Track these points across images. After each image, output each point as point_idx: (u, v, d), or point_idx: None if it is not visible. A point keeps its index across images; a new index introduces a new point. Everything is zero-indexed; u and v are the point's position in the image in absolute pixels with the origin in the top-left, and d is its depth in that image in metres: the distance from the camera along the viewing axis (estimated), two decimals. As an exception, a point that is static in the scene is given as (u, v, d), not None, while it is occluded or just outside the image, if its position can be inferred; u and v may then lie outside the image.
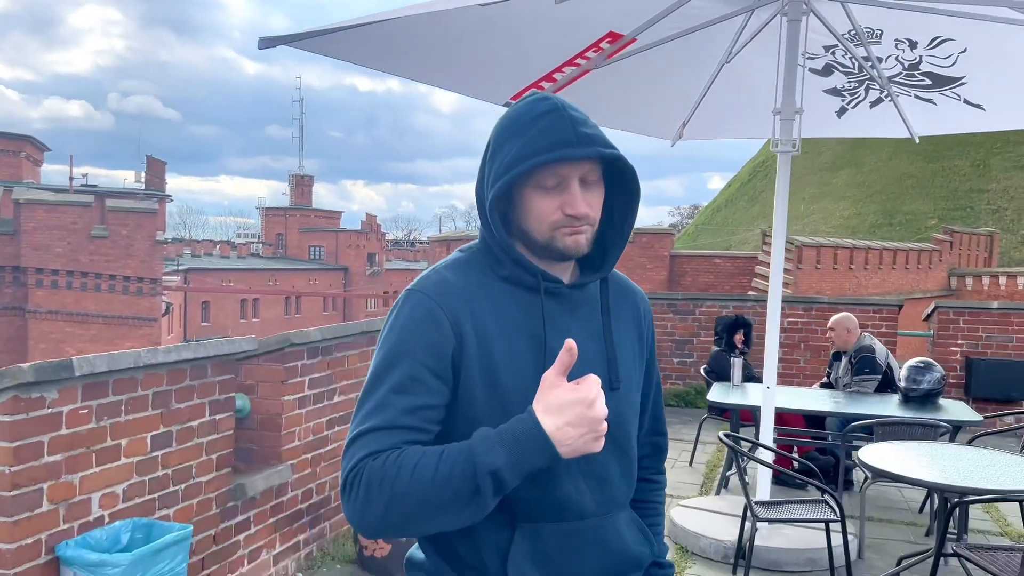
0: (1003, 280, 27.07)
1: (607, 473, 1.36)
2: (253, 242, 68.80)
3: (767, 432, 4.34)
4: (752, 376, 6.30)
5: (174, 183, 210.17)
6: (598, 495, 1.35)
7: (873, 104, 4.62)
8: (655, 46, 4.13)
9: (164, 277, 35.02)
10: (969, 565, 3.45)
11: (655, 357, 1.56)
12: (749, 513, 3.95)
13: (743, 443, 4.62)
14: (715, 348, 6.99)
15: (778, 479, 5.05)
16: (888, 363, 6.07)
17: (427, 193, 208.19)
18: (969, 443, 4.59)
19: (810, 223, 43.40)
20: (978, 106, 4.29)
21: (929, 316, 8.91)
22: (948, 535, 3.63)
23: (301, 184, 67.88)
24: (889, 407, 5.27)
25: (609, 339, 1.39)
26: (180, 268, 49.52)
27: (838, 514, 3.87)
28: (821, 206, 45.59)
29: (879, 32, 4.08)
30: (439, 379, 1.28)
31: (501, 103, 4.50)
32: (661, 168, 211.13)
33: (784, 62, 3.72)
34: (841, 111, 4.76)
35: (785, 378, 8.21)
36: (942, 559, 3.49)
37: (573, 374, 1.24)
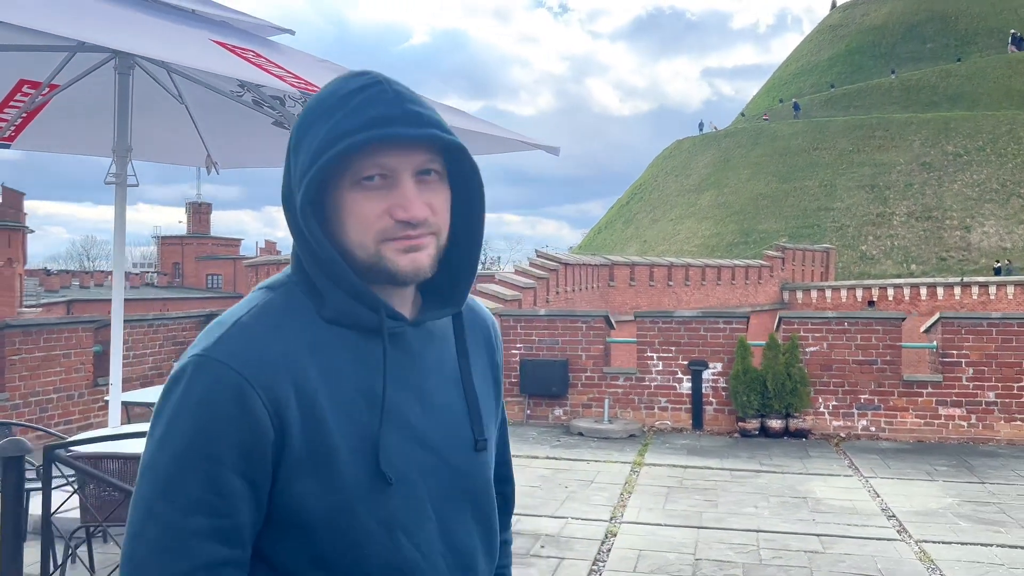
0: (829, 293, 28.79)
1: (474, 563, 1.07)
2: (148, 272, 67.74)
3: (114, 421, 4.70)
4: None
5: (91, 213, 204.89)
6: None
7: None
8: (74, 83, 4.72)
9: (25, 310, 34.46)
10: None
11: (502, 389, 1.25)
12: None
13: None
14: None
15: None
16: None
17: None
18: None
19: (675, 242, 45.24)
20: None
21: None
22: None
23: (199, 212, 67.28)
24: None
25: (470, 387, 1.10)
26: (60, 300, 48.62)
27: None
28: (687, 226, 47.59)
29: (258, 78, 4.79)
30: (252, 486, 0.94)
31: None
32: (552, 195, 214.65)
33: (117, 106, 4.34)
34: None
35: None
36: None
37: (437, 432, 1.03)
